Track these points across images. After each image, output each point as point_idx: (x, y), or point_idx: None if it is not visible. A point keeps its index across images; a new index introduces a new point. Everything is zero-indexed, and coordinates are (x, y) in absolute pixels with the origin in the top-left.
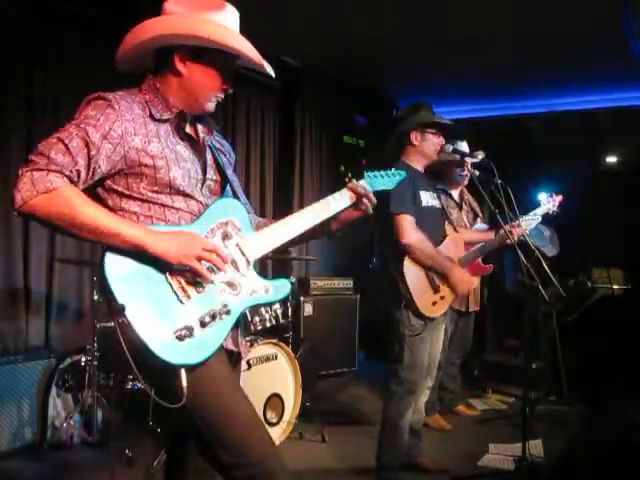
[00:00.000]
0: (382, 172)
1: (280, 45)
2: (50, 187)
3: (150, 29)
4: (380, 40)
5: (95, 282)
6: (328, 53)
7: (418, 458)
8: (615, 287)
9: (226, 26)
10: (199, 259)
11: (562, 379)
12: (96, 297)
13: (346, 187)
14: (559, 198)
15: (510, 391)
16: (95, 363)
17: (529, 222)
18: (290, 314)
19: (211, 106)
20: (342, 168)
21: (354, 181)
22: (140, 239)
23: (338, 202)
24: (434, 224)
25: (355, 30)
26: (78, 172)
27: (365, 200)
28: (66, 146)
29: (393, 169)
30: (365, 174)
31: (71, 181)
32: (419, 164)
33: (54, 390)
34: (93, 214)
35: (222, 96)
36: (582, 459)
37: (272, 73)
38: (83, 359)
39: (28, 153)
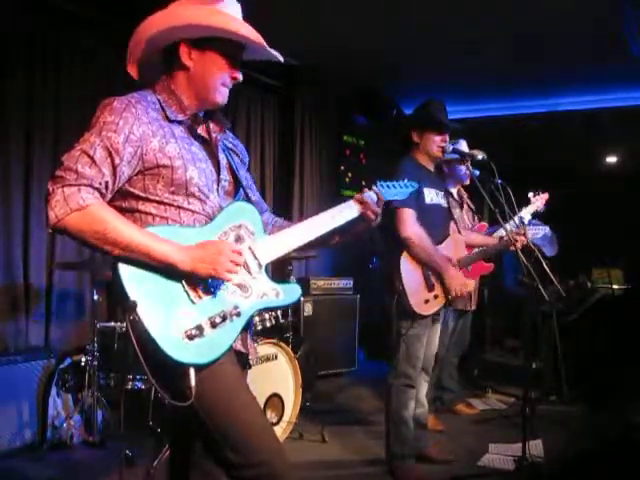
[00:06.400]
0: (394, 182)
1: (280, 45)
2: (83, 204)
3: (152, 26)
4: (380, 40)
5: (95, 282)
6: (328, 53)
7: (424, 449)
8: (615, 287)
9: (228, 14)
10: (228, 272)
11: (562, 379)
12: (96, 297)
13: (353, 199)
14: (545, 196)
15: (510, 391)
16: (95, 363)
17: (536, 232)
18: (290, 314)
19: (221, 98)
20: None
21: (365, 191)
22: (170, 257)
23: (348, 211)
24: (437, 222)
25: (355, 30)
26: (106, 183)
27: (369, 212)
28: (91, 158)
29: (405, 180)
30: (377, 184)
31: (100, 193)
32: (426, 162)
33: (54, 390)
34: (126, 232)
35: (230, 85)
36: (582, 459)
37: (280, 58)
38: (83, 359)
39: (28, 154)
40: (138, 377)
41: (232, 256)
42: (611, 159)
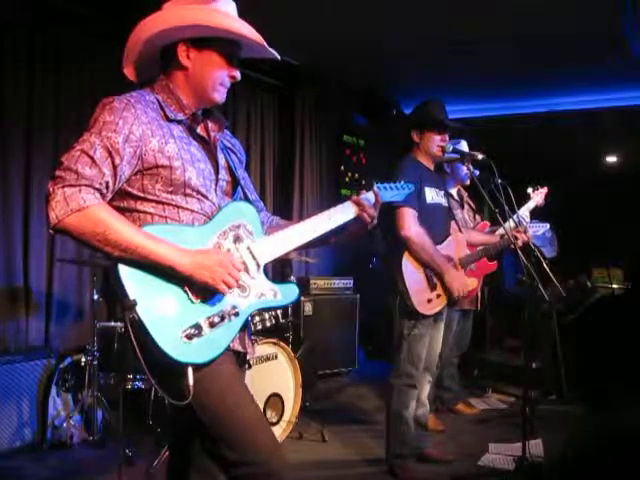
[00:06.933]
0: (392, 184)
1: (280, 45)
2: (83, 205)
3: (150, 27)
4: (380, 40)
5: (95, 282)
6: (328, 53)
7: (425, 449)
8: (615, 287)
9: (226, 12)
10: (224, 283)
11: (562, 379)
12: (96, 297)
13: (350, 200)
14: (544, 190)
15: (510, 391)
16: (95, 363)
17: (537, 229)
18: (290, 314)
19: (219, 97)
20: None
21: (363, 192)
22: (171, 259)
23: (344, 212)
24: (438, 222)
25: (355, 30)
26: (107, 183)
27: (365, 215)
28: (91, 158)
29: (402, 182)
30: (374, 186)
31: (101, 193)
32: (426, 161)
33: (54, 390)
34: (127, 233)
35: (229, 85)
36: (582, 459)
37: (277, 56)
38: (83, 359)
39: (28, 154)
40: (138, 377)
41: (231, 270)
42: (611, 159)
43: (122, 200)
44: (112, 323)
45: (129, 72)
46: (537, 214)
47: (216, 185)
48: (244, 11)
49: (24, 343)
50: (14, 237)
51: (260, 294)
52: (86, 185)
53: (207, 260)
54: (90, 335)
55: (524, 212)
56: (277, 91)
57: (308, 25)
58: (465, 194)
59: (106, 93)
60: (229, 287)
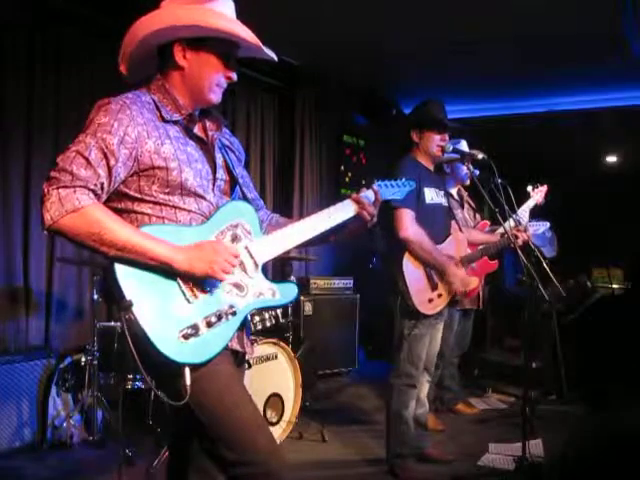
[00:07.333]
0: (392, 181)
1: (280, 45)
2: (78, 206)
3: (146, 26)
4: (380, 40)
5: (95, 282)
6: (328, 53)
7: (425, 449)
8: (615, 287)
9: (222, 13)
10: (223, 271)
11: (562, 379)
12: (96, 297)
13: (350, 198)
14: (544, 188)
15: (510, 391)
16: (95, 363)
17: (537, 228)
18: (290, 314)
19: (215, 97)
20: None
21: (363, 190)
22: (167, 257)
23: (344, 211)
24: (438, 222)
25: (355, 30)
26: (102, 184)
27: (365, 213)
28: (86, 159)
29: (403, 179)
30: (374, 183)
31: (96, 194)
32: (425, 161)
33: (54, 390)
34: (122, 233)
35: (225, 85)
36: (582, 459)
37: (274, 57)
38: (83, 359)
39: (28, 154)
40: (138, 377)
41: (228, 256)
42: (611, 159)
43: (119, 201)
44: (112, 323)
45: (125, 70)
46: (537, 214)
47: (214, 185)
48: (244, 11)
49: (24, 343)
50: (14, 237)
51: (258, 293)
52: (81, 186)
53: (202, 252)
54: (90, 335)
55: (524, 211)
56: (277, 91)
57: (308, 25)
58: (465, 193)
59: (106, 93)
60: (228, 272)
